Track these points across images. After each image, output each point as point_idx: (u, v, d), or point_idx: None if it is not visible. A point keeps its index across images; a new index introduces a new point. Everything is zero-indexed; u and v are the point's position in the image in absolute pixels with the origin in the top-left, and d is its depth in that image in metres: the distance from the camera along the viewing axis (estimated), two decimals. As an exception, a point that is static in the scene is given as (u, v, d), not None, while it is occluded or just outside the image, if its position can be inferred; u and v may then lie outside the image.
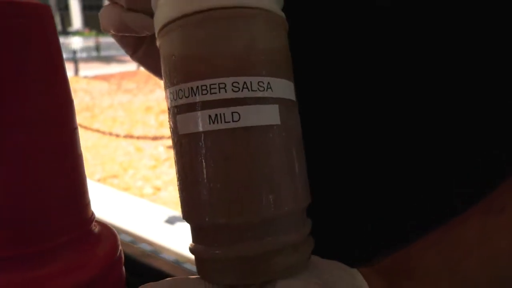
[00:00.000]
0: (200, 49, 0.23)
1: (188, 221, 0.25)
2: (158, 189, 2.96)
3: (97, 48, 14.84)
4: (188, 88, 0.22)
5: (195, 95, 0.22)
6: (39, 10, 0.21)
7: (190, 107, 0.23)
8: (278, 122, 0.23)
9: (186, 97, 0.23)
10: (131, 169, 3.39)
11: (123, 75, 9.72)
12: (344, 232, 0.37)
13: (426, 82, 0.33)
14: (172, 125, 0.24)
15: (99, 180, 3.10)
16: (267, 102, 0.23)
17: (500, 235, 0.24)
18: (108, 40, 15.53)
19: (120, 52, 15.81)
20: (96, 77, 9.37)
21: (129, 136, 3.59)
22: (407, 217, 0.29)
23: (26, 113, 0.20)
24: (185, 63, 0.23)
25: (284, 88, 0.24)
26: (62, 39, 14.03)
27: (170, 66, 0.24)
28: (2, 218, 0.21)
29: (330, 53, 0.37)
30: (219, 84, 0.22)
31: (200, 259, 0.25)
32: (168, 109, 0.25)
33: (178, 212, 2.41)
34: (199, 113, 0.22)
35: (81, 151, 0.24)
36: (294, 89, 0.26)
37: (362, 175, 0.38)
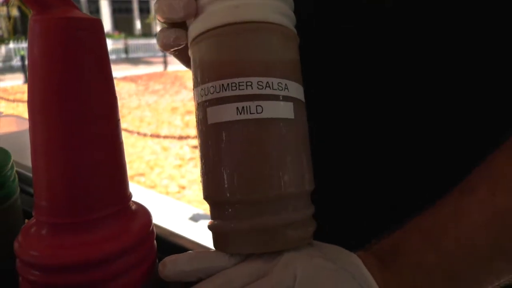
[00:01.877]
0: (231, 54, 0.28)
1: (210, 199, 0.29)
2: (183, 187, 3.04)
3: (126, 50, 15.24)
4: (220, 84, 0.27)
5: (225, 90, 0.27)
6: (94, 23, 0.25)
7: (220, 101, 0.27)
8: (292, 117, 0.28)
9: (217, 92, 0.27)
10: (157, 168, 3.48)
11: (150, 77, 9.95)
12: (342, 228, 0.40)
13: (421, 86, 0.37)
14: (200, 117, 0.29)
15: (126, 178, 3.21)
16: (284, 100, 0.28)
17: (472, 213, 0.27)
18: (136, 42, 15.93)
19: (147, 54, 16.19)
20: (125, 78, 9.63)
21: (156, 136, 3.69)
22: (397, 212, 0.32)
23: (84, 106, 0.25)
24: (217, 65, 0.28)
25: (297, 90, 0.29)
26: (92, 42, 14.46)
27: (202, 67, 0.29)
28: (62, 193, 0.26)
29: (334, 55, 0.40)
30: (246, 82, 0.27)
31: (219, 233, 0.29)
32: (198, 104, 0.29)
33: (202, 210, 2.47)
34: (228, 105, 0.27)
35: (122, 139, 0.29)
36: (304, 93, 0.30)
37: (358, 177, 0.41)
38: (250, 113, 0.27)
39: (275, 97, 0.27)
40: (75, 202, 0.26)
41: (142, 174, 3.33)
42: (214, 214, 0.30)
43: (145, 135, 3.71)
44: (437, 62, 0.36)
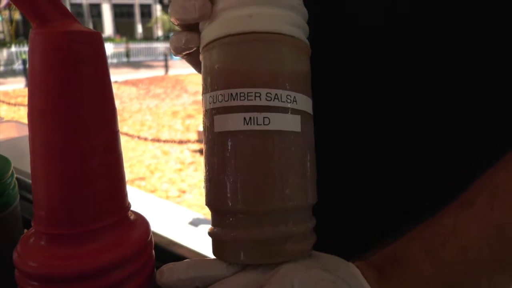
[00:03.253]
0: (241, 63, 0.27)
1: (211, 207, 0.29)
2: (183, 191, 3.04)
3: (127, 54, 15.28)
4: (228, 93, 0.27)
5: (234, 99, 0.27)
6: (93, 36, 0.26)
7: (228, 110, 0.27)
8: (299, 130, 0.28)
9: (225, 101, 0.27)
10: (157, 172, 3.49)
11: (151, 80, 9.97)
12: (342, 238, 0.40)
13: (422, 94, 0.37)
14: (208, 124, 0.29)
15: (127, 182, 3.21)
16: (292, 112, 0.28)
17: (470, 225, 0.28)
18: (137, 46, 15.98)
19: (148, 57, 16.25)
20: (126, 82, 9.65)
21: (156, 140, 3.69)
22: (397, 220, 0.32)
23: (83, 118, 0.25)
24: (227, 73, 0.28)
25: (306, 103, 0.29)
26: (94, 45, 14.50)
27: (212, 75, 0.29)
28: (60, 204, 0.26)
29: (334, 61, 0.41)
30: (255, 93, 0.27)
31: (218, 241, 0.29)
32: (206, 111, 0.29)
33: (202, 214, 2.47)
34: (236, 115, 0.27)
35: (121, 150, 0.29)
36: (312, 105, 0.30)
37: (358, 184, 0.42)
38: (257, 124, 0.26)
39: (283, 110, 0.27)
40: (74, 213, 0.26)
41: (142, 178, 3.33)
42: (215, 221, 0.30)
43: (145, 139, 3.71)
44: (437, 69, 0.36)
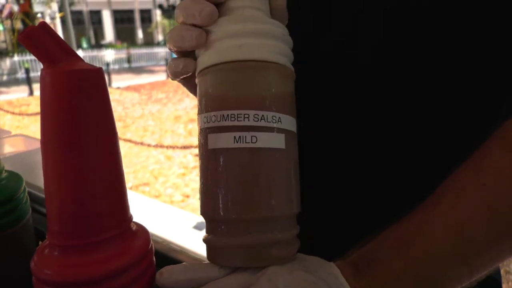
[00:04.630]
0: (231, 88, 0.31)
1: (206, 216, 0.33)
2: (187, 196, 3.08)
3: (128, 59, 15.36)
4: (220, 115, 0.31)
5: (225, 120, 0.31)
6: (95, 73, 0.30)
7: (220, 129, 0.31)
8: (283, 147, 0.32)
9: (218, 121, 0.31)
10: (161, 177, 3.53)
11: (153, 85, 10.03)
12: (325, 242, 0.44)
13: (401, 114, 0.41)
14: (202, 142, 0.33)
15: (131, 188, 3.26)
16: (277, 131, 0.31)
17: (435, 223, 0.31)
18: (138, 51, 16.05)
19: (149, 63, 16.33)
20: (128, 88, 9.72)
21: (159, 146, 3.74)
22: (374, 226, 0.36)
23: (89, 144, 0.29)
24: (219, 97, 0.32)
25: (290, 123, 0.33)
26: (95, 52, 14.58)
27: (206, 98, 0.32)
28: (71, 220, 0.30)
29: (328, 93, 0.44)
30: (244, 114, 0.30)
31: (212, 247, 0.33)
32: (200, 129, 0.33)
33: (205, 218, 2.50)
34: (227, 134, 0.31)
35: (123, 169, 0.33)
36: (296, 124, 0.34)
37: (343, 192, 0.45)
38: (246, 142, 0.30)
39: (268, 129, 0.31)
40: (83, 227, 0.30)
41: (146, 184, 3.38)
42: (209, 229, 0.34)
43: (148, 145, 3.75)
44: (420, 83, 0.40)
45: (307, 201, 0.35)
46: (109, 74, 10.37)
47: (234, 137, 0.30)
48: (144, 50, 16.26)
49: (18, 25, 17.22)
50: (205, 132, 0.32)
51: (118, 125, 5.64)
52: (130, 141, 3.56)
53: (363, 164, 0.44)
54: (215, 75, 0.32)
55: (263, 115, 0.30)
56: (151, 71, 13.76)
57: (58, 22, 25.48)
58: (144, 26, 32.70)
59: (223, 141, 0.31)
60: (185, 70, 0.34)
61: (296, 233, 0.34)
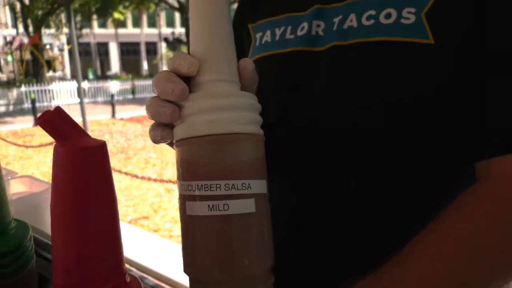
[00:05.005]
0: (204, 160, 0.35)
1: (186, 273, 0.37)
2: (185, 230, 3.09)
3: (133, 90, 15.63)
4: (195, 184, 0.35)
5: (200, 190, 0.35)
6: (100, 148, 0.35)
7: (195, 198, 0.35)
8: (254, 210, 0.35)
9: (193, 190, 0.35)
10: (161, 211, 3.54)
11: (156, 117, 10.15)
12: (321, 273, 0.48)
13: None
14: (181, 207, 0.37)
15: (130, 222, 3.27)
16: (247, 197, 0.35)
17: (426, 253, 0.36)
18: (143, 83, 16.34)
19: (153, 94, 16.47)
20: (131, 119, 9.85)
21: (159, 180, 3.77)
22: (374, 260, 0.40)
23: (94, 211, 0.34)
24: (193, 168, 0.36)
25: (260, 186, 0.36)
26: (101, 83, 14.84)
27: (182, 167, 0.37)
28: (75, 275, 0.34)
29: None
30: (216, 184, 0.34)
31: None
32: (179, 194, 0.37)
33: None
34: (201, 203, 0.35)
35: (120, 229, 0.38)
36: (267, 185, 0.38)
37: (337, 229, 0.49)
38: (219, 210, 0.34)
39: (239, 196, 0.34)
40: (84, 280, 0.35)
41: (146, 218, 3.39)
42: (191, 285, 0.38)
43: (149, 179, 3.79)
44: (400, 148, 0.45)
45: (298, 241, 0.40)
46: (113, 106, 10.52)
47: (208, 205, 0.34)
48: (148, 82, 16.52)
49: (27, 56, 17.70)
50: (183, 199, 0.36)
51: (120, 157, 5.65)
52: (130, 174, 3.59)
53: (353, 210, 0.48)
54: (188, 147, 0.36)
55: (233, 184, 0.34)
56: (154, 103, 13.95)
57: (66, 54, 26.15)
58: (150, 58, 33.50)
59: (199, 209, 0.35)
60: (163, 140, 0.39)
61: (272, 282, 0.38)
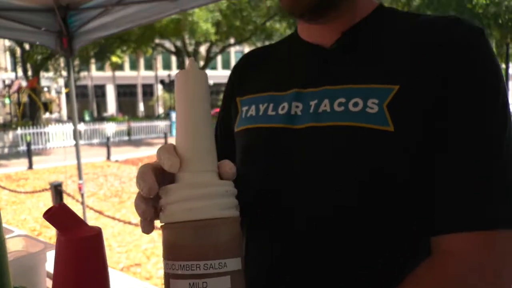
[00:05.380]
0: (185, 243, 0.41)
1: None
2: (178, 277, 3.06)
3: (128, 132, 15.75)
4: (178, 264, 0.40)
5: (181, 269, 0.40)
6: (97, 236, 0.41)
7: (177, 276, 0.40)
8: (229, 286, 0.40)
9: (175, 269, 0.40)
10: (153, 257, 3.51)
11: (152, 159, 10.10)
12: None
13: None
14: (166, 283, 0.42)
15: (122, 269, 3.24)
16: (223, 275, 0.40)
17: None
18: (138, 124, 16.52)
19: (149, 135, 16.77)
20: (126, 161, 9.88)
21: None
22: None
23: (87, 284, 0.39)
24: (176, 249, 0.41)
25: (235, 263, 0.42)
26: (97, 125, 14.98)
27: (167, 248, 0.42)
28: None
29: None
30: (196, 264, 0.40)
31: None
32: (164, 272, 0.42)
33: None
34: (183, 281, 0.40)
35: (112, 305, 0.43)
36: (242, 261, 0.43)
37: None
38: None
39: (216, 275, 0.40)
40: None
41: (138, 265, 3.36)
42: None
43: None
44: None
45: None
46: (108, 148, 10.57)
47: (189, 283, 0.39)
48: (144, 123, 16.72)
49: (24, 98, 17.95)
50: (168, 277, 0.41)
51: (114, 201, 5.60)
52: (123, 221, 3.59)
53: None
54: (171, 231, 0.42)
55: (211, 264, 0.39)
56: (150, 144, 14.06)
57: (63, 96, 26.51)
58: (146, 99, 34.02)
59: (181, 286, 0.40)
60: (143, 216, 0.44)
61: None
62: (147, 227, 0.45)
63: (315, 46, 0.59)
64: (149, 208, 0.43)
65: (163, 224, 0.43)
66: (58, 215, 0.39)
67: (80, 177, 3.10)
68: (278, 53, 0.67)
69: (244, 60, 0.71)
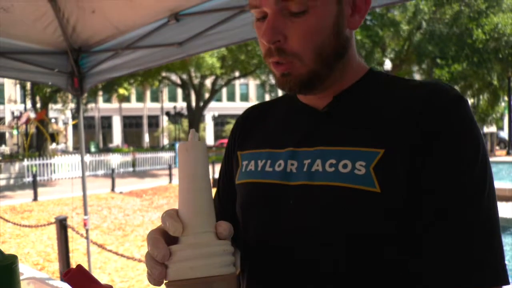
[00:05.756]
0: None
1: None
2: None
3: (133, 163, 15.84)
4: None
5: None
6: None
7: None
8: None
9: None
10: (155, 294, 3.49)
11: (156, 191, 10.22)
12: None
13: None
14: None
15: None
16: None
17: None
18: (143, 156, 16.62)
19: (153, 167, 16.86)
20: (131, 193, 9.90)
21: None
22: None
23: None
24: None
25: None
26: (102, 156, 15.10)
27: None
28: None
29: None
30: None
31: None
32: None
33: None
34: None
35: None
36: None
37: None
38: None
39: None
40: None
41: (140, 302, 3.33)
42: None
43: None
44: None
45: None
46: (113, 179, 10.64)
47: None
48: (149, 155, 16.83)
49: (32, 130, 18.21)
50: None
51: (117, 234, 5.59)
52: (126, 256, 3.59)
53: None
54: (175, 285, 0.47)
55: None
56: (154, 175, 14.13)
57: (70, 127, 26.89)
58: (151, 130, 34.40)
59: None
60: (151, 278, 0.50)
61: None
62: (156, 282, 0.50)
63: (309, 107, 0.65)
64: (159, 266, 0.48)
65: (167, 281, 0.48)
66: (76, 276, 0.44)
67: (85, 213, 3.14)
68: (276, 111, 0.73)
69: (246, 114, 0.77)
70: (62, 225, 3.68)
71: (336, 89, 0.62)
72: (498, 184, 7.23)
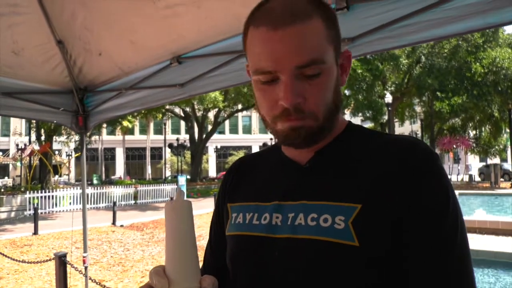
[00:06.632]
0: None
1: None
2: None
3: (135, 195, 15.76)
4: None
5: None
6: None
7: None
8: None
9: None
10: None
11: (157, 224, 10.11)
12: None
13: None
14: None
15: None
16: None
17: None
18: (145, 188, 16.54)
19: (155, 199, 16.74)
20: (131, 226, 9.79)
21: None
22: None
23: None
24: None
25: None
26: (104, 189, 15.03)
27: None
28: None
29: None
30: None
31: None
32: None
33: None
34: None
35: None
36: None
37: None
38: None
39: None
40: None
41: None
42: None
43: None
44: None
45: None
46: (114, 213, 10.56)
47: None
48: (151, 187, 16.75)
49: (36, 162, 18.28)
50: None
51: (117, 269, 5.51)
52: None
53: None
54: None
55: None
56: (156, 208, 14.01)
57: (72, 160, 26.97)
58: (154, 162, 34.43)
59: None
60: None
61: None
62: None
63: (293, 162, 0.68)
64: None
65: None
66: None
67: (84, 249, 3.11)
68: (263, 164, 0.76)
69: (235, 167, 0.81)
70: (61, 261, 3.64)
71: (319, 144, 0.66)
72: (503, 218, 7.16)
